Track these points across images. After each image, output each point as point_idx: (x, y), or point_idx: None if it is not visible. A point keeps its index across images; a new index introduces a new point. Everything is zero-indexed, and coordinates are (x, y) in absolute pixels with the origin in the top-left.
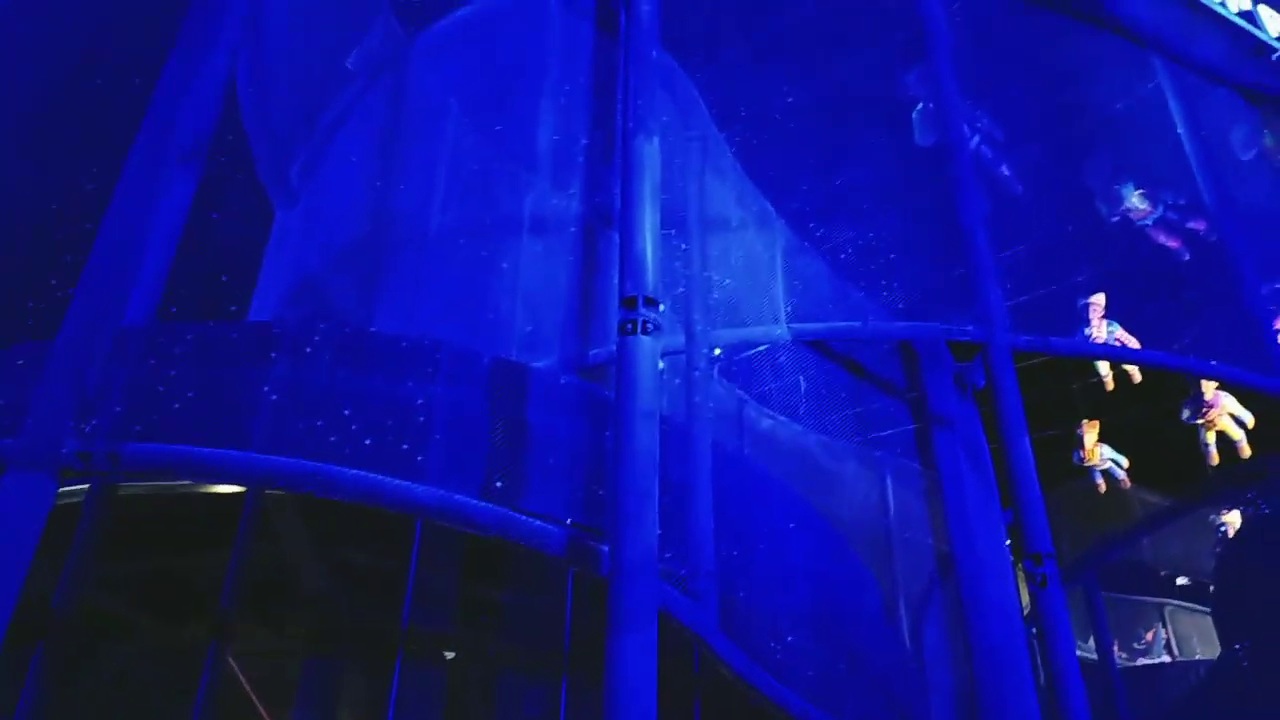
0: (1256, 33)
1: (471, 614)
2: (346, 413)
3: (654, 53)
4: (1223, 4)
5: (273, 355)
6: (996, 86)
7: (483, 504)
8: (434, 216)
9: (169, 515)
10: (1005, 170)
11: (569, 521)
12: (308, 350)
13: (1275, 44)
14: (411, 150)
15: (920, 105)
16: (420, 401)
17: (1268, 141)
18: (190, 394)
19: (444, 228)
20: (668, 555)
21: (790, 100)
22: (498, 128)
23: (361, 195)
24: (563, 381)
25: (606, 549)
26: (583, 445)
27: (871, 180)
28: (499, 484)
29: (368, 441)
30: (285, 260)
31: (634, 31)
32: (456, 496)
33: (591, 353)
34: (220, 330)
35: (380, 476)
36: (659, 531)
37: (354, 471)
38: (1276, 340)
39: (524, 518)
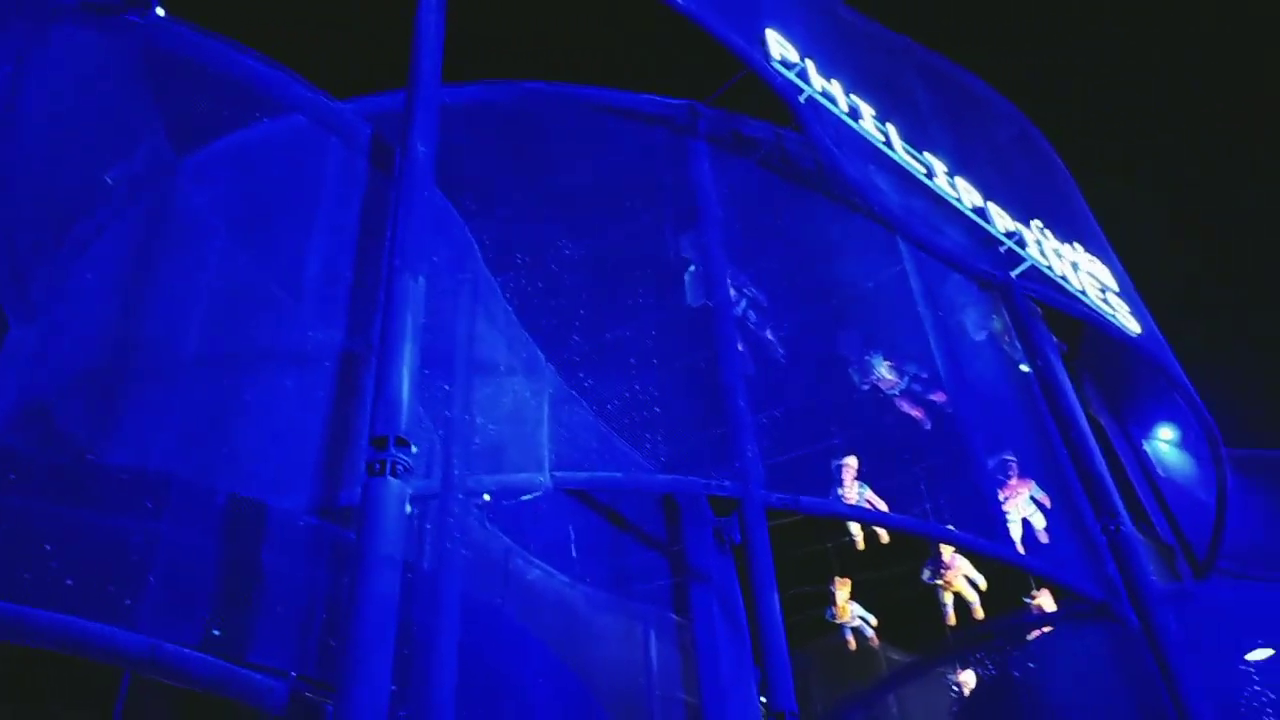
0: (987, 227)
1: None
2: (47, 548)
3: (426, 193)
4: (959, 200)
5: None
6: (762, 256)
7: (197, 654)
8: (186, 344)
9: None
10: (769, 335)
11: (294, 675)
12: (11, 477)
13: (1003, 238)
14: (168, 273)
15: (691, 268)
16: (137, 539)
17: (996, 325)
18: None
19: (196, 356)
20: (403, 714)
21: (567, 253)
22: (262, 256)
23: (108, 316)
24: (302, 523)
25: (333, 706)
26: (320, 592)
27: (641, 336)
28: (217, 632)
29: (69, 581)
30: (13, 381)
31: (407, 170)
32: (166, 646)
33: (343, 493)
34: None
35: (82, 621)
36: (394, 687)
37: (50, 615)
38: (1000, 509)
39: (243, 671)
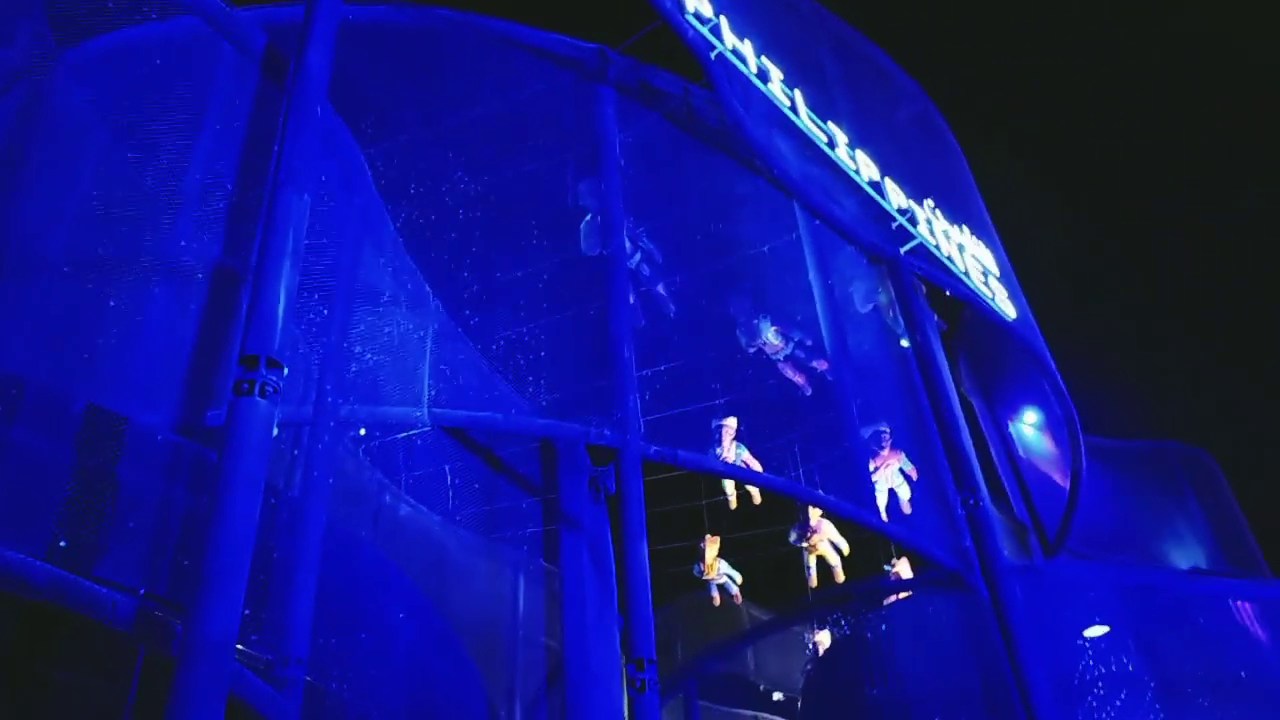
0: (881, 202)
1: (21, 694)
2: None
3: (319, 108)
4: (857, 171)
5: None
6: (660, 210)
7: (38, 563)
8: (53, 244)
9: None
10: (661, 290)
11: (142, 592)
12: None
13: (895, 214)
14: (38, 169)
15: (589, 216)
16: None
17: (882, 299)
18: None
19: (62, 257)
20: (254, 638)
21: (462, 188)
22: (141, 160)
23: None
24: (161, 438)
25: (182, 626)
26: (177, 511)
27: (532, 279)
28: (64, 544)
29: None
30: None
31: (300, 81)
32: (5, 552)
33: (211, 413)
34: None
35: None
36: (248, 611)
37: None
38: (869, 478)
39: (88, 583)
